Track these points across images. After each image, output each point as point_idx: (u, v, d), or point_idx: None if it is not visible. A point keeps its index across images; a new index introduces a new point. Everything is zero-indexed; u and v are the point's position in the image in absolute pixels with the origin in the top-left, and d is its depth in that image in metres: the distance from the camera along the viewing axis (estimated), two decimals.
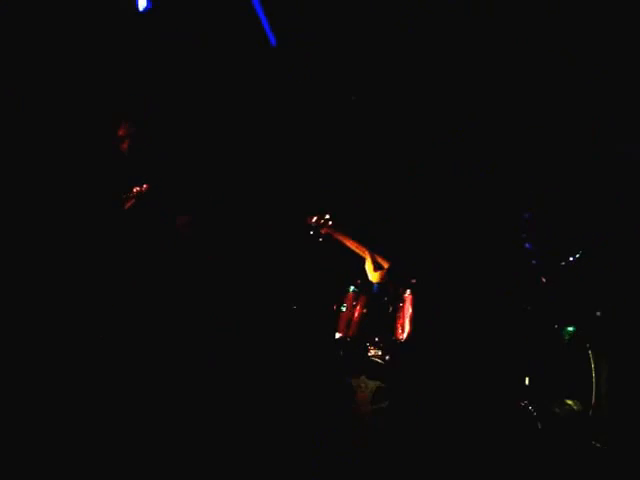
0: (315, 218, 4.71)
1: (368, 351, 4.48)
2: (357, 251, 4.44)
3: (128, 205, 4.11)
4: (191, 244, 4.39)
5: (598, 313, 4.17)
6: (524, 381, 4.07)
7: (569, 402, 3.98)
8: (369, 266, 3.85)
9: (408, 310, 4.46)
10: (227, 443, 3.87)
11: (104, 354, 3.89)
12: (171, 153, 4.66)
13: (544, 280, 4.43)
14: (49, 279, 4.06)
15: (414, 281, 3.81)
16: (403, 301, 4.49)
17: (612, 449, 3.74)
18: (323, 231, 4.67)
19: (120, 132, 4.30)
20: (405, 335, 4.45)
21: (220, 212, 4.95)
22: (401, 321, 4.48)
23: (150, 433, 3.69)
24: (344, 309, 4.66)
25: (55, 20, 4.62)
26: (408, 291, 4.33)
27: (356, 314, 4.67)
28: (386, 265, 3.73)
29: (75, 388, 3.79)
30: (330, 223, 4.66)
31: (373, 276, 3.82)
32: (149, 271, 4.12)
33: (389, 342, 4.49)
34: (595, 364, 3.93)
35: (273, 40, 5.45)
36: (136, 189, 4.15)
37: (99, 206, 4.19)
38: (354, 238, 4.48)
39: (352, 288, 4.70)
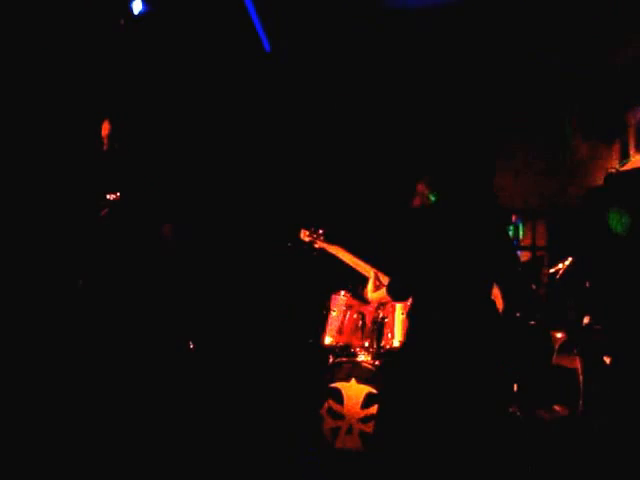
0: (308, 232, 4.59)
1: (358, 356, 4.49)
2: (358, 269, 4.24)
3: (104, 213, 4.07)
4: (175, 252, 4.37)
5: (586, 320, 4.19)
6: (513, 387, 4.08)
7: (557, 408, 3.99)
8: (370, 286, 3.72)
9: (399, 316, 4.47)
10: (213, 445, 3.87)
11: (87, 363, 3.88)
12: (159, 158, 4.65)
13: (534, 287, 4.46)
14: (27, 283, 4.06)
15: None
16: (393, 307, 4.50)
17: (604, 454, 3.73)
18: (317, 245, 4.54)
19: (104, 133, 4.28)
20: (395, 341, 4.46)
21: (206, 219, 4.93)
22: (391, 327, 4.49)
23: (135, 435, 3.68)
24: (334, 314, 4.67)
25: (48, 21, 4.62)
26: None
27: (346, 319, 4.68)
28: (385, 281, 3.65)
29: (68, 390, 3.79)
30: (322, 237, 4.53)
31: (372, 296, 3.71)
32: (131, 280, 4.10)
33: (379, 347, 4.50)
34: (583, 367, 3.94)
35: (267, 46, 5.48)
36: (111, 196, 4.10)
37: (79, 211, 4.18)
38: (354, 253, 4.31)
39: (342, 293, 4.71)
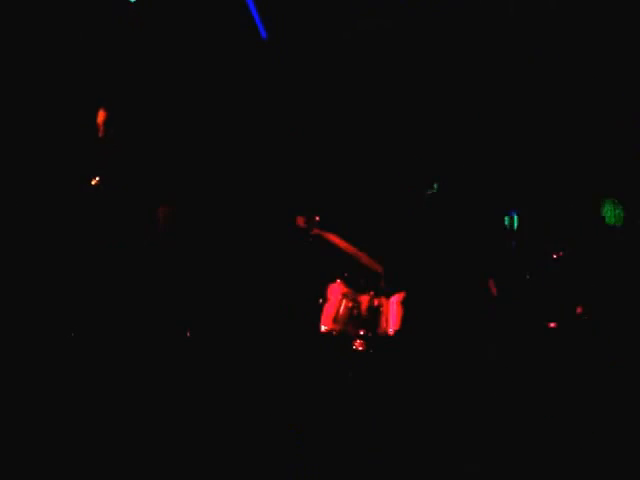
0: (304, 219, 4.62)
1: (353, 344, 4.51)
2: (354, 257, 4.29)
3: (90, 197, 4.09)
4: (171, 237, 4.37)
5: (578, 310, 4.22)
6: (509, 375, 4.12)
7: None
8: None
9: (394, 304, 4.50)
10: (212, 440, 3.86)
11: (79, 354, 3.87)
12: (155, 145, 4.64)
13: (528, 277, 4.48)
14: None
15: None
16: (389, 295, 4.53)
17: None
18: (313, 232, 4.57)
19: (99, 120, 4.28)
20: (391, 329, 4.49)
21: (203, 204, 4.93)
22: (386, 315, 4.51)
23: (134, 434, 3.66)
24: (330, 302, 4.68)
25: (41, 10, 4.60)
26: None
27: (342, 307, 4.70)
28: (380, 269, 3.69)
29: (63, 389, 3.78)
30: (318, 224, 4.56)
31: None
32: (126, 266, 4.10)
33: (374, 336, 4.53)
34: None
35: (264, 33, 5.46)
36: (94, 181, 4.12)
37: (74, 197, 4.17)
38: (348, 241, 4.35)
39: (338, 281, 4.72)
